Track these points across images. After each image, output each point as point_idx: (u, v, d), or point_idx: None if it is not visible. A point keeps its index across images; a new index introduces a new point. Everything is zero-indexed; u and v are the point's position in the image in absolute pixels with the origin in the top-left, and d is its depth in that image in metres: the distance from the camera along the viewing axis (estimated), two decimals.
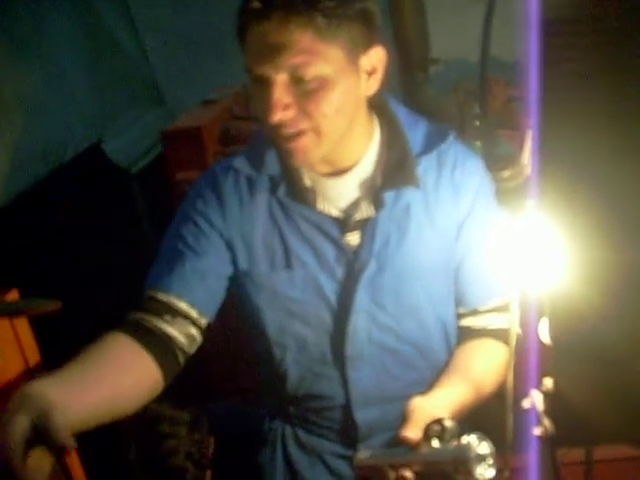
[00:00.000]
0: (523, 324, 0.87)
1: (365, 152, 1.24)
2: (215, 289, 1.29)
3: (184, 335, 1.23)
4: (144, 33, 3.01)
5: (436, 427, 1.00)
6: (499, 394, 1.24)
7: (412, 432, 1.02)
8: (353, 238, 1.25)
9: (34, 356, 1.36)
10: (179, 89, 3.12)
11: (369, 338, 1.27)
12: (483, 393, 1.22)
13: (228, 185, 1.28)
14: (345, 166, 1.24)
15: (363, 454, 1.14)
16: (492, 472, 0.94)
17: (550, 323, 0.79)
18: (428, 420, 1.03)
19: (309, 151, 1.16)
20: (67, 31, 2.49)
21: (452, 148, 1.27)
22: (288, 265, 1.26)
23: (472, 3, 2.64)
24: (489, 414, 1.15)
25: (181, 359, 1.23)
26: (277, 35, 1.07)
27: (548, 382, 0.83)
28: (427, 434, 1.01)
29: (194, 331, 1.25)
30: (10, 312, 1.29)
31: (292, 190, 1.25)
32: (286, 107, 1.10)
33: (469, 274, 1.30)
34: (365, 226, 1.24)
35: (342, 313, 1.26)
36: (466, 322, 1.34)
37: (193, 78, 3.01)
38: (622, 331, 0.72)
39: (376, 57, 1.18)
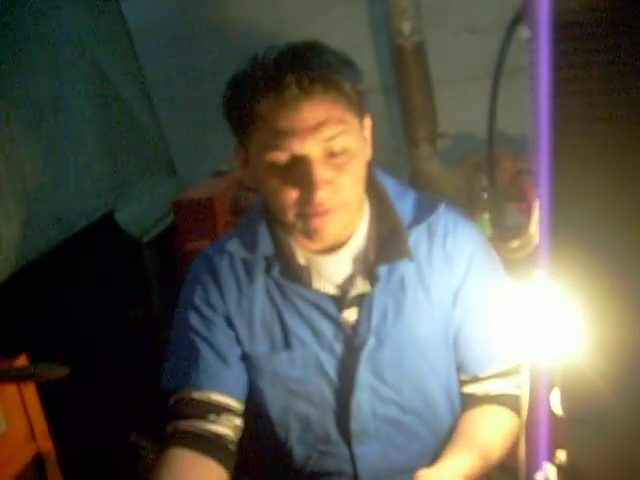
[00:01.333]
0: (535, 394, 0.87)
1: (358, 226, 1.25)
2: (240, 371, 1.29)
3: (231, 429, 1.25)
4: (158, 105, 3.08)
5: None
6: (510, 467, 1.22)
7: None
8: (350, 314, 1.25)
9: (40, 421, 1.35)
10: (191, 160, 3.17)
11: (373, 412, 1.26)
12: (490, 461, 1.21)
13: (224, 268, 1.29)
14: (339, 242, 1.24)
15: None
16: None
17: (562, 394, 0.79)
18: None
19: (337, 226, 1.18)
20: (83, 101, 2.54)
21: (443, 217, 1.28)
22: (288, 345, 1.25)
23: (478, 78, 2.71)
24: None
25: (234, 449, 1.26)
26: (314, 109, 1.10)
27: (561, 454, 0.82)
28: None
29: (238, 421, 1.27)
30: (19, 377, 1.29)
31: (286, 269, 1.25)
32: (326, 183, 1.12)
33: (468, 341, 1.30)
34: (362, 301, 1.24)
35: (344, 390, 1.25)
36: (468, 389, 1.33)
37: (204, 150, 3.06)
38: (635, 403, 0.72)
39: (368, 124, 1.23)
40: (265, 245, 1.25)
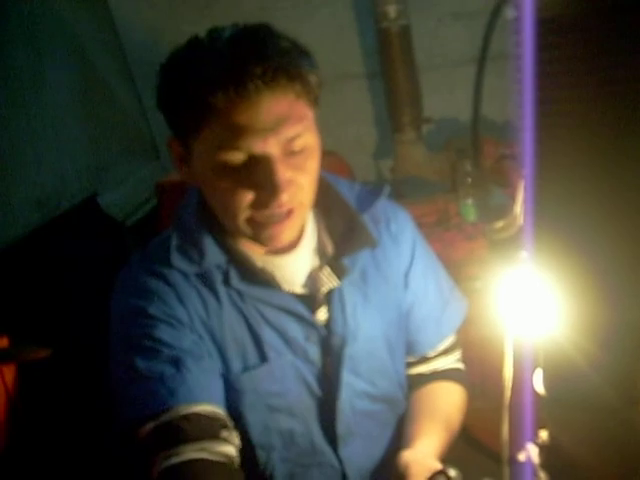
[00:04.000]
0: (517, 375, 0.87)
1: (306, 221, 1.18)
2: (221, 384, 1.15)
3: (236, 449, 1.11)
4: (142, 89, 3.06)
5: (441, 478, 0.99)
6: (493, 450, 1.24)
7: None
8: (320, 314, 1.19)
9: (19, 402, 1.34)
10: None
11: (352, 409, 1.23)
12: (454, 434, 1.25)
13: (181, 283, 1.13)
14: (291, 241, 1.15)
15: None
16: None
17: (544, 373, 0.79)
18: (427, 472, 1.02)
19: (294, 231, 1.11)
20: (65, 83, 2.52)
21: (383, 204, 1.25)
22: (263, 358, 1.15)
23: (462, 64, 2.71)
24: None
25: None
26: (276, 104, 0.99)
27: (543, 434, 0.83)
28: None
29: (238, 440, 1.12)
30: (0, 358, 1.28)
31: (245, 275, 1.13)
32: (288, 184, 1.03)
33: (418, 321, 1.30)
34: (331, 298, 1.19)
35: (325, 393, 1.20)
36: (417, 369, 1.34)
37: None
38: (616, 381, 0.72)
39: (316, 117, 1.11)
40: (215, 254, 1.12)
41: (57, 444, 1.71)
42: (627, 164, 0.67)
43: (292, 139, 1.01)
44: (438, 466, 1.05)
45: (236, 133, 0.98)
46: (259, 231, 1.08)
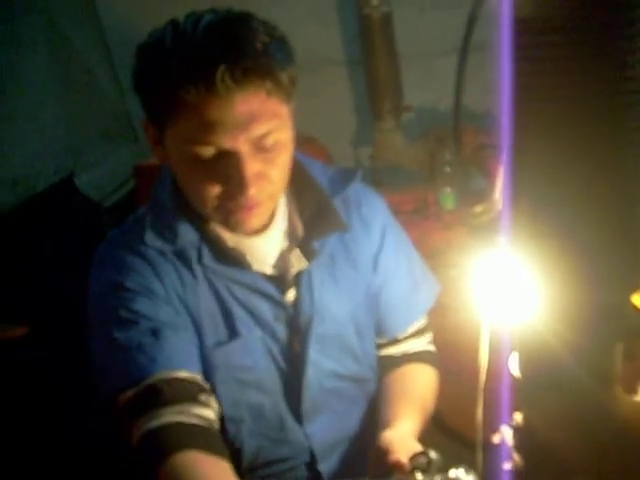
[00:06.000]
0: (492, 359, 0.88)
1: (277, 204, 1.20)
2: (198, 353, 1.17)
3: (215, 413, 1.14)
4: (121, 71, 3.03)
5: (422, 459, 1.00)
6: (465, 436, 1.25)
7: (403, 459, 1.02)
8: (290, 294, 1.22)
9: None
10: None
11: (320, 387, 1.25)
12: (428, 416, 1.27)
13: (158, 260, 1.16)
14: (261, 225, 1.18)
15: None
16: None
17: (520, 356, 0.80)
18: (408, 452, 1.03)
19: (262, 219, 1.14)
20: (43, 63, 2.49)
21: (355, 188, 1.27)
22: (234, 334, 1.18)
23: (442, 53, 2.71)
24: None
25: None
26: (247, 101, 1.00)
27: (518, 416, 0.84)
28: (413, 466, 1.00)
29: (216, 405, 1.16)
30: None
31: (217, 255, 1.17)
32: (256, 178, 1.06)
33: (388, 304, 1.32)
34: (299, 279, 1.21)
35: (292, 371, 1.23)
36: (387, 351, 1.35)
37: None
38: (590, 364, 0.74)
39: (293, 107, 1.12)
40: (187, 234, 1.15)
41: (37, 423, 1.71)
42: (606, 149, 0.68)
43: (263, 136, 1.04)
44: (419, 447, 1.06)
45: (206, 128, 1.01)
46: (228, 218, 1.11)
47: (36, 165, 2.33)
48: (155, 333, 1.11)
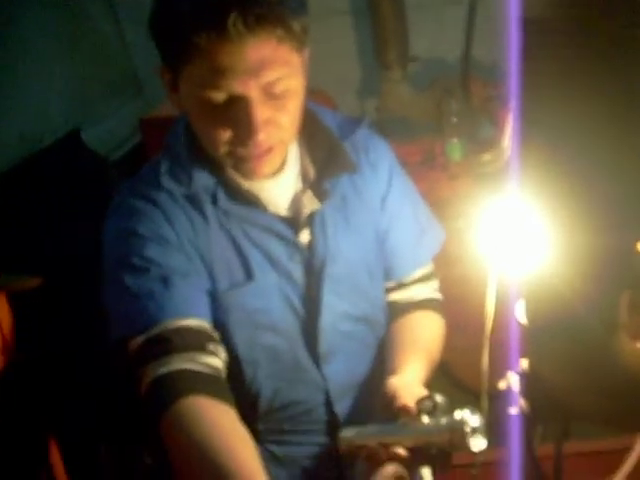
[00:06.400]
0: (501, 306, 0.89)
1: (290, 148, 1.22)
2: (207, 299, 1.18)
3: (223, 362, 1.15)
4: (126, 25, 3.00)
5: (428, 403, 1.02)
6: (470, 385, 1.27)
7: (410, 403, 1.04)
8: (303, 236, 1.23)
9: (10, 332, 1.34)
10: (158, 81, 3.11)
11: (335, 329, 1.26)
12: (435, 363, 1.29)
13: (169, 205, 1.17)
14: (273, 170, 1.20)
15: (348, 433, 1.11)
16: (485, 443, 0.97)
17: (527, 304, 0.81)
18: (414, 397, 1.05)
19: (273, 166, 1.16)
20: (48, 18, 2.47)
21: (363, 133, 1.30)
22: (249, 276, 1.19)
23: (451, 3, 2.67)
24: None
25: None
26: (259, 47, 1.01)
27: (524, 363, 0.85)
28: (419, 409, 1.02)
29: (224, 355, 1.17)
30: None
31: (233, 196, 1.18)
32: (266, 124, 1.07)
33: (394, 245, 1.33)
34: (312, 221, 1.23)
35: (308, 313, 1.24)
36: (394, 296, 1.37)
37: None
38: (598, 310, 0.74)
39: (307, 55, 1.14)
40: (202, 176, 1.17)
41: (51, 374, 1.73)
42: (623, 91, 0.67)
43: (273, 82, 1.05)
44: (425, 392, 1.08)
45: (217, 73, 1.02)
46: (239, 164, 1.13)
47: (42, 120, 2.32)
48: (165, 280, 1.13)
